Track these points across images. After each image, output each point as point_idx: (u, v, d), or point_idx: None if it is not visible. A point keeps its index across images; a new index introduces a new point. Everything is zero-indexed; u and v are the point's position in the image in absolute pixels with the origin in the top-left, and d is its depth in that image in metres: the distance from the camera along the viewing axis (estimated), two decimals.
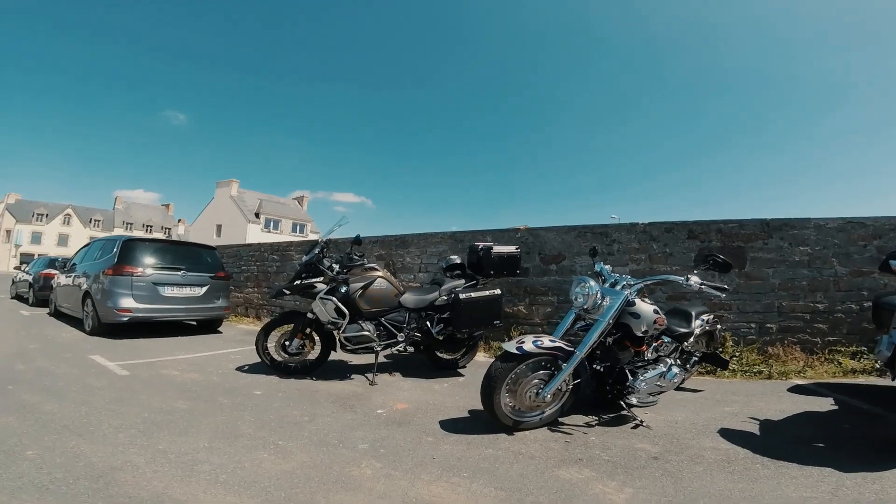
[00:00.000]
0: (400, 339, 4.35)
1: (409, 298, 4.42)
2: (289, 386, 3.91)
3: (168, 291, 6.60)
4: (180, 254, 7.19)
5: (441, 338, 4.47)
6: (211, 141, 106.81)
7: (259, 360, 4.37)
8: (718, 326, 4.38)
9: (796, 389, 4.12)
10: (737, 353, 4.97)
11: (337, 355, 4.48)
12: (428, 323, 4.44)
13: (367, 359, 4.82)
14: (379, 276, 4.35)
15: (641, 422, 3.17)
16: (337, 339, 4.26)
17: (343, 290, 4.12)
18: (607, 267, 3.58)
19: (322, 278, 4.18)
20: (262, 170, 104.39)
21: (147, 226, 64.68)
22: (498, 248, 4.69)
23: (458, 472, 2.34)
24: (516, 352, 2.85)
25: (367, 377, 4.25)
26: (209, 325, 7.37)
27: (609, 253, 5.74)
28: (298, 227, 51.60)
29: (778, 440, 2.89)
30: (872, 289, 4.93)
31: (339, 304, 4.07)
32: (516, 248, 4.86)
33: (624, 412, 3.30)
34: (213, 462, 2.29)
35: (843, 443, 2.86)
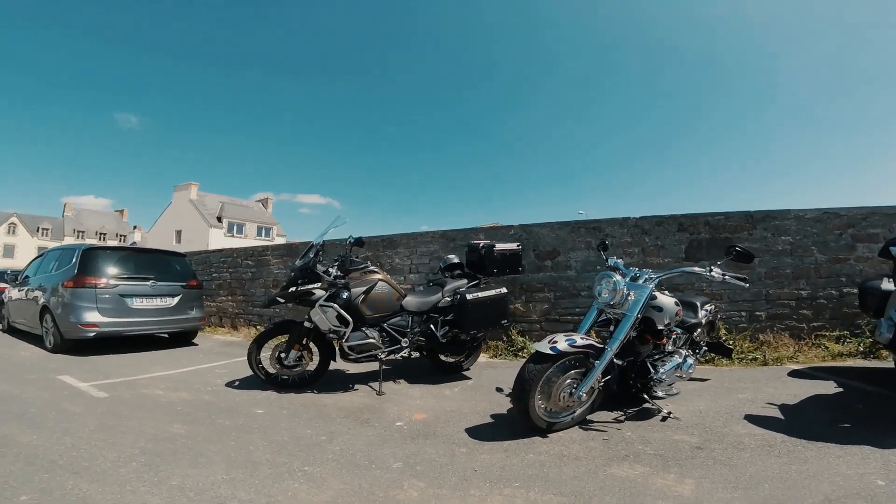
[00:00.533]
0: (404, 344, 4.13)
1: (411, 301, 4.21)
2: (291, 401, 3.61)
3: (137, 303, 6.08)
4: (147, 262, 6.65)
5: (445, 341, 4.29)
6: (166, 143, 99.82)
7: (250, 373, 4.03)
8: (718, 316, 4.44)
9: (795, 374, 4.21)
10: (731, 342, 5.06)
11: (334, 364, 4.21)
12: (432, 326, 4.25)
13: (366, 367, 4.57)
14: (380, 280, 4.11)
15: (669, 413, 3.14)
16: (337, 348, 4.01)
17: (344, 295, 3.86)
18: (620, 261, 3.52)
19: (320, 284, 3.89)
20: (221, 172, 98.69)
21: (100, 233, 60.73)
22: (500, 246, 4.55)
23: (508, 482, 2.18)
24: (551, 352, 2.72)
25: (371, 387, 4.02)
26: (183, 338, 6.85)
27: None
28: (264, 231, 49.54)
29: (804, 423, 2.91)
30: (849, 275, 5.11)
31: (342, 311, 3.81)
32: (518, 245, 4.74)
33: (647, 405, 3.26)
34: (242, 498, 2.01)
35: (864, 422, 2.90)
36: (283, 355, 3.91)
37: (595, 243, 5.69)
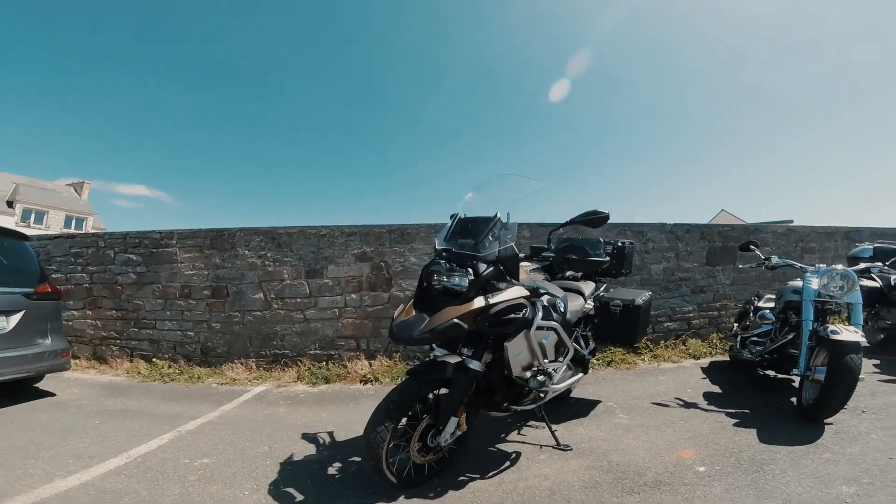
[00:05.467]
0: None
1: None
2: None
3: None
4: None
5: (592, 357, 3.10)
6: None
7: (263, 458, 2.21)
8: None
9: None
10: None
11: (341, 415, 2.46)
12: (580, 342, 2.93)
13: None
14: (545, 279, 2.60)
15: None
16: (496, 396, 2.29)
17: (561, 307, 2.28)
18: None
19: (521, 292, 2.12)
20: (17, 149, 68.38)
21: None
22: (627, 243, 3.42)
23: None
24: (863, 340, 2.54)
25: (524, 442, 2.48)
26: (20, 385, 3.77)
27: (645, 251, 5.20)
28: (75, 222, 35.18)
29: None
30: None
31: (564, 335, 2.22)
32: (631, 242, 3.66)
33: None
34: None
35: None
36: (430, 430, 2.00)
37: (638, 245, 5.15)
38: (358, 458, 2.26)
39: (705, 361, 4.44)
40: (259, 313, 4.84)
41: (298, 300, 4.78)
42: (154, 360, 4.87)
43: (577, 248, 2.72)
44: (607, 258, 3.01)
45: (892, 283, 4.27)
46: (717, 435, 2.38)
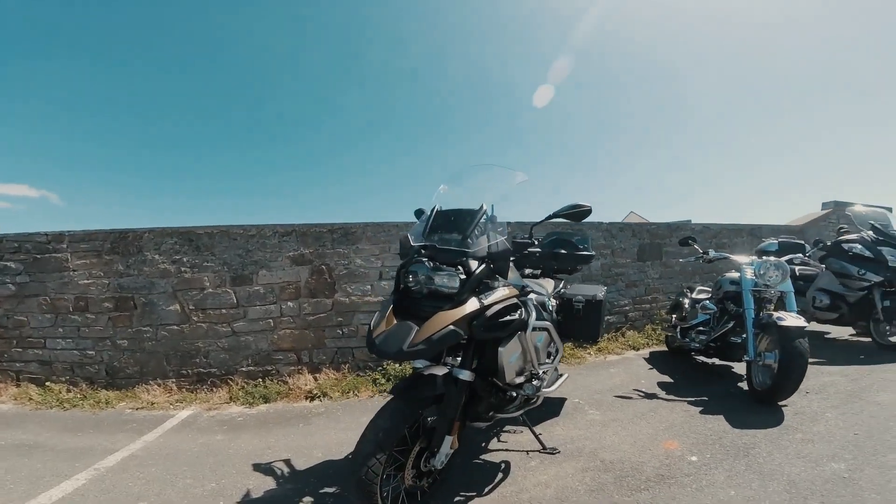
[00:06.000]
0: None
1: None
2: None
3: None
4: None
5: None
6: None
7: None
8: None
9: None
10: None
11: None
12: None
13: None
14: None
15: None
16: (475, 405, 2.15)
17: (550, 305, 2.32)
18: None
19: (512, 291, 1.98)
20: None
21: None
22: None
23: None
24: (806, 325, 2.76)
25: (507, 449, 2.40)
26: None
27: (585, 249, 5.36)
28: None
29: None
30: (717, 271, 6.29)
31: (555, 335, 2.21)
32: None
33: None
34: None
35: None
36: (426, 454, 1.80)
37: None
38: (331, 489, 2.01)
39: (645, 352, 4.71)
40: (175, 327, 4.24)
41: (224, 311, 4.26)
42: (48, 383, 4.08)
43: (567, 242, 2.69)
44: (594, 253, 3.02)
45: (796, 273, 4.84)
46: (689, 424, 2.49)
